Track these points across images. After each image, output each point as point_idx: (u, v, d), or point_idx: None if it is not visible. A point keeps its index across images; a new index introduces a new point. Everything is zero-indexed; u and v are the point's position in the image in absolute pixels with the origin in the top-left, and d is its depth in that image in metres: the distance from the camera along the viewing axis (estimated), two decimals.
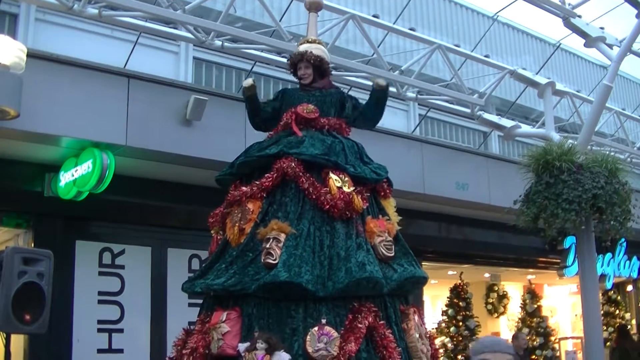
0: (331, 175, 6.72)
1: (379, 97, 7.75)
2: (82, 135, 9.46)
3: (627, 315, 21.24)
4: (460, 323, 16.43)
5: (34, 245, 10.17)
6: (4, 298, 6.08)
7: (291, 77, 8.10)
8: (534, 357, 17.09)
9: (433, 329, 16.57)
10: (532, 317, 18.04)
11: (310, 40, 7.89)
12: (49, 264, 6.55)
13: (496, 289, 19.48)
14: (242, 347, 5.98)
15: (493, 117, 14.48)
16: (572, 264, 17.00)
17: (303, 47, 7.73)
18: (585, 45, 13.30)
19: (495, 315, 19.49)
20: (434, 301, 20.23)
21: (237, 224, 6.67)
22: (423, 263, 13.62)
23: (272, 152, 6.97)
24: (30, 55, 8.71)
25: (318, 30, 11.27)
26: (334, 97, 7.56)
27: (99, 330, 10.75)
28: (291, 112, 7.26)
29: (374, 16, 13.09)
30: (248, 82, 7.57)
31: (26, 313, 6.25)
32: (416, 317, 6.77)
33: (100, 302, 10.78)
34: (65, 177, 9.99)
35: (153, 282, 11.32)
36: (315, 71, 7.61)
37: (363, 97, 14.74)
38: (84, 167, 9.57)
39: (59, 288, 8.82)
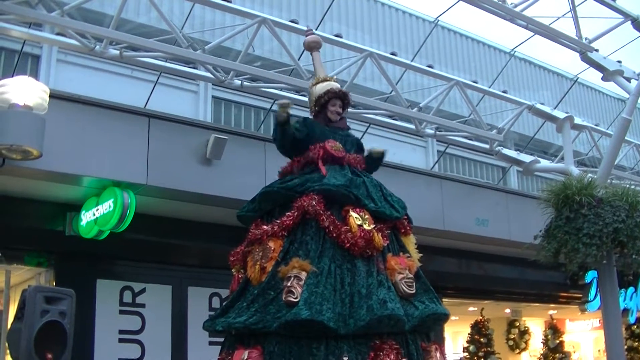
0: (351, 213, 6.74)
1: (381, 160, 7.96)
2: (103, 174, 9.53)
3: None
4: (482, 359, 16.30)
5: (55, 283, 10.19)
6: (26, 337, 6.09)
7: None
8: None
9: None
10: (555, 353, 17.88)
11: (333, 79, 7.83)
12: (71, 303, 6.57)
13: (517, 324, 19.25)
14: None
15: (512, 153, 14.47)
16: (594, 298, 16.82)
17: (332, 85, 7.69)
18: (603, 79, 13.29)
19: (517, 351, 19.21)
20: (455, 337, 20.06)
21: (258, 263, 6.69)
22: (443, 299, 13.55)
23: (293, 184, 7.01)
24: (53, 95, 8.81)
25: (336, 68, 11.45)
26: (354, 139, 7.62)
27: None
28: (319, 147, 7.28)
29: (392, 54, 13.15)
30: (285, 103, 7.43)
31: (48, 352, 6.23)
32: (438, 354, 6.73)
33: (121, 340, 10.76)
34: (87, 216, 10.05)
35: (173, 321, 11.28)
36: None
37: (382, 133, 14.88)
38: (105, 207, 9.63)
39: (80, 327, 8.75)
